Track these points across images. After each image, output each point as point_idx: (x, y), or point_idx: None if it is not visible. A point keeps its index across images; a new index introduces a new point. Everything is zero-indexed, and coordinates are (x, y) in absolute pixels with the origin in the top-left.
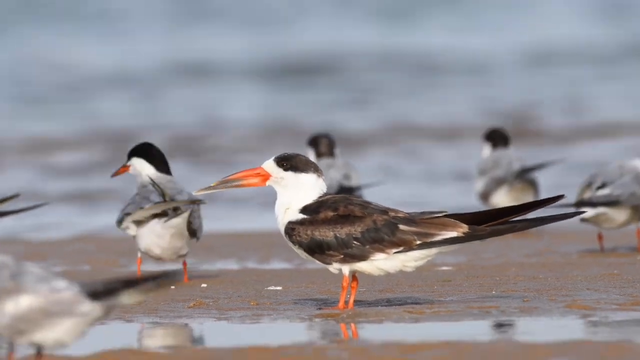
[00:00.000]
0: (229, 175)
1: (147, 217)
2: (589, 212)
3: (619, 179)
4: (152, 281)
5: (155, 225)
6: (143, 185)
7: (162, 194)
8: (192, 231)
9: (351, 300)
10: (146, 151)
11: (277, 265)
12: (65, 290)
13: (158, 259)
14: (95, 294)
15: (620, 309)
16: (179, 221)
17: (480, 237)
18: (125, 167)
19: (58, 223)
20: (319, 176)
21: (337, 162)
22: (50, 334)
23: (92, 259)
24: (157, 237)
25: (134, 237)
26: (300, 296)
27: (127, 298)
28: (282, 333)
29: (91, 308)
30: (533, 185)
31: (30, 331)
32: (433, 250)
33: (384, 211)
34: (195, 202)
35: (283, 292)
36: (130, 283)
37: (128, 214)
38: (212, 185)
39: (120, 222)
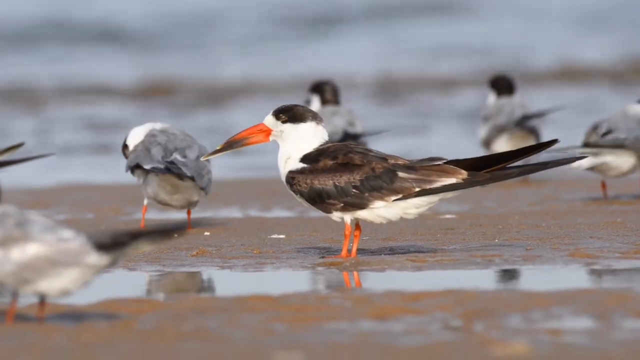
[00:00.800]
0: (233, 136)
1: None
2: (594, 159)
3: (624, 124)
4: (159, 232)
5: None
6: (151, 135)
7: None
8: (201, 188)
9: (354, 249)
10: None
11: (280, 213)
12: (72, 240)
13: (165, 206)
14: (103, 246)
15: (624, 257)
16: (189, 184)
17: (480, 183)
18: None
19: (61, 170)
20: (317, 124)
21: (342, 109)
22: (55, 284)
23: (96, 207)
24: (159, 186)
25: (142, 183)
26: (303, 244)
27: (134, 249)
28: (284, 281)
29: (98, 259)
30: (533, 132)
31: (35, 280)
32: (433, 197)
33: (384, 159)
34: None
35: (286, 241)
36: (138, 235)
37: (138, 166)
38: (217, 148)
39: (131, 170)
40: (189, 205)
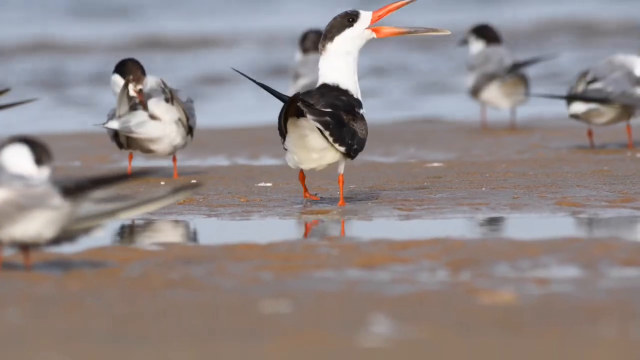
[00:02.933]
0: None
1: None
2: (581, 107)
3: (610, 74)
4: (122, 178)
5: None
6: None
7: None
8: (189, 128)
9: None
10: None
11: (267, 161)
12: (39, 186)
13: (150, 152)
14: (68, 190)
15: (610, 205)
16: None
17: None
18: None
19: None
20: None
21: None
22: (26, 228)
23: (83, 155)
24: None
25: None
26: (290, 193)
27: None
28: (272, 230)
29: (62, 203)
30: (524, 80)
31: (4, 225)
32: None
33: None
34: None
35: (273, 189)
36: (99, 181)
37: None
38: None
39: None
40: (174, 150)
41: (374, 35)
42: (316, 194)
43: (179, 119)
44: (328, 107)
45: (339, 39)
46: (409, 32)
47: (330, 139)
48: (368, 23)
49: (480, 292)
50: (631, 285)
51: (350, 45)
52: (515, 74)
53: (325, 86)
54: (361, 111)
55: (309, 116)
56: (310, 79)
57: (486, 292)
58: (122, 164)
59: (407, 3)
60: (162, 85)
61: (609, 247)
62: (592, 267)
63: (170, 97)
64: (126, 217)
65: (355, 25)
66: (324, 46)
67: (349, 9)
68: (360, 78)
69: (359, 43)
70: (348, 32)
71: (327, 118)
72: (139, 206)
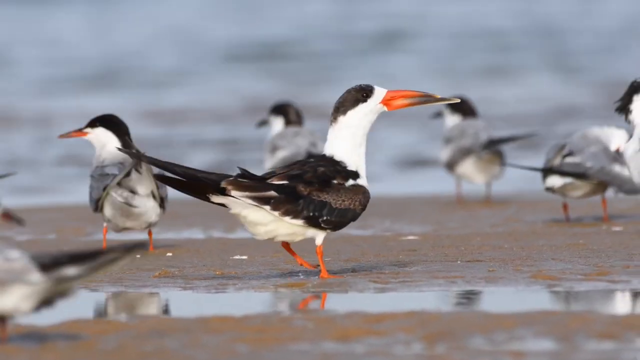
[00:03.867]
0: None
1: (112, 187)
2: (557, 180)
3: (587, 148)
4: (100, 255)
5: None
6: (100, 161)
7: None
8: (160, 198)
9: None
10: (113, 122)
11: (242, 234)
12: (18, 260)
13: (125, 229)
14: (45, 266)
15: (586, 279)
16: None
17: None
18: (82, 133)
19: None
20: None
21: (304, 130)
22: (4, 302)
23: (60, 227)
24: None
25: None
26: (265, 266)
27: (75, 271)
28: (247, 302)
29: (39, 278)
30: (499, 155)
31: None
32: None
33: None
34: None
35: (248, 262)
36: (76, 257)
37: (98, 199)
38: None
39: (96, 209)
40: (149, 226)
41: (385, 108)
42: (313, 264)
43: (152, 192)
44: (286, 180)
45: (352, 113)
46: (419, 103)
47: (276, 213)
48: (381, 98)
49: None
50: (607, 358)
51: (363, 119)
52: (491, 150)
53: (319, 157)
54: (349, 183)
55: (235, 193)
56: (289, 151)
57: None
58: (98, 236)
59: (422, 95)
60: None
61: (585, 320)
62: (568, 340)
63: (139, 165)
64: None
65: (369, 100)
66: (335, 118)
67: (363, 83)
68: None
69: (371, 117)
70: (362, 107)
71: (272, 192)
72: (98, 268)
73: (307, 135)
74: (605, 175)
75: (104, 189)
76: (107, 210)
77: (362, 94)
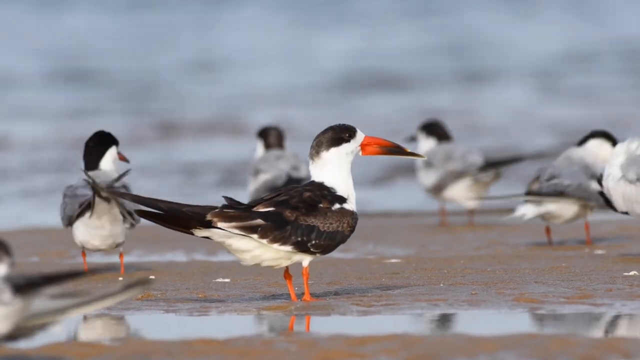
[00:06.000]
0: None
1: (77, 212)
2: (537, 208)
3: (567, 169)
4: (73, 277)
5: (85, 218)
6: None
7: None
8: (128, 212)
9: (292, 293)
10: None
11: (225, 257)
12: None
13: (97, 251)
14: (19, 287)
15: (568, 302)
16: (103, 206)
17: None
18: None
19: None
20: None
21: (286, 154)
22: None
23: (42, 250)
24: (89, 229)
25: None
26: (248, 289)
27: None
28: (230, 325)
29: (11, 299)
30: (498, 177)
31: None
32: None
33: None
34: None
35: (231, 285)
36: (51, 278)
37: (70, 216)
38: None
39: (68, 224)
40: (117, 246)
41: (360, 152)
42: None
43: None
44: (272, 206)
45: (335, 150)
46: (390, 154)
47: (264, 241)
48: (360, 142)
49: None
50: None
51: (343, 158)
52: (491, 172)
53: (307, 183)
54: (335, 206)
55: (221, 225)
56: (271, 175)
57: None
58: (80, 259)
59: (394, 146)
60: (89, 180)
61: (567, 343)
62: None
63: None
64: (80, 313)
65: (352, 141)
66: (318, 153)
67: (345, 124)
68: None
69: (350, 158)
70: (345, 147)
71: (258, 220)
72: (92, 302)
73: (290, 159)
74: (583, 192)
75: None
76: (79, 232)
77: (346, 134)
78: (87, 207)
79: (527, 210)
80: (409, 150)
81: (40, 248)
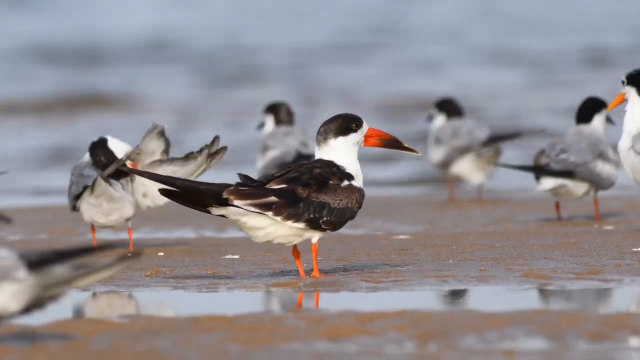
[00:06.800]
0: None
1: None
2: (548, 183)
3: (576, 145)
4: (84, 253)
5: (86, 196)
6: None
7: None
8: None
9: (301, 269)
10: None
11: (234, 233)
12: (4, 259)
13: (105, 227)
14: (32, 264)
15: (577, 278)
16: (103, 186)
17: None
18: None
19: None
20: None
21: (295, 130)
22: None
23: (50, 227)
24: (91, 207)
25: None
26: (257, 265)
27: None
28: (239, 302)
29: (26, 275)
30: (499, 154)
31: None
32: None
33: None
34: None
35: (240, 261)
36: (63, 254)
37: (77, 196)
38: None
39: (74, 207)
40: (127, 220)
41: (362, 143)
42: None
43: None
44: (284, 183)
45: (342, 139)
46: (388, 147)
47: (278, 218)
48: (365, 133)
49: None
50: (598, 357)
51: (349, 146)
52: (493, 147)
53: (316, 160)
54: (344, 183)
55: (237, 202)
56: (280, 151)
57: None
58: (88, 236)
59: (393, 140)
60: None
61: (576, 320)
62: (559, 339)
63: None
64: (85, 284)
65: (359, 131)
66: (325, 139)
67: (352, 113)
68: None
69: (356, 148)
70: (352, 136)
71: (272, 198)
72: (93, 273)
73: (298, 135)
74: (589, 171)
75: (84, 187)
76: (85, 206)
77: (354, 124)
78: (86, 186)
79: (546, 185)
80: (406, 145)
81: (47, 225)
